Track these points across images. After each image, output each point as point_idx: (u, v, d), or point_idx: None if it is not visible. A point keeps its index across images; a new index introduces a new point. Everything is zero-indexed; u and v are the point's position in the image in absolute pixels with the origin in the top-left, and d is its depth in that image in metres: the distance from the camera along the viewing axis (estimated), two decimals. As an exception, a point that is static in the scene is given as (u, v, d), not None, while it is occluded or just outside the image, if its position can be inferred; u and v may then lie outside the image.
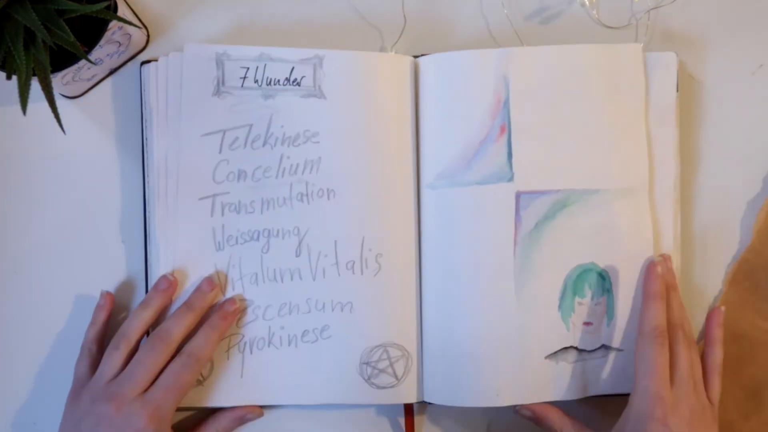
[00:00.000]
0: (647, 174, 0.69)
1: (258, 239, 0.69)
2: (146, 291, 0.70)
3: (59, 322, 0.71)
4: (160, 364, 0.65)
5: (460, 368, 0.69)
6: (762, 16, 0.73)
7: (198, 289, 0.68)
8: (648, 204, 0.69)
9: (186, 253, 0.68)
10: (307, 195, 0.69)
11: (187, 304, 0.67)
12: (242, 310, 0.69)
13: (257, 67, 0.69)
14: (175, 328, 0.66)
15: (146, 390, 0.64)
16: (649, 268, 0.67)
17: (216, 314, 0.67)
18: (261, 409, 0.69)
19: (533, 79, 0.69)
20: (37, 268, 0.71)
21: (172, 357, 0.66)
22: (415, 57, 0.70)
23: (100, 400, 0.64)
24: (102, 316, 0.68)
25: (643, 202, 0.69)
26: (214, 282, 0.68)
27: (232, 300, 0.68)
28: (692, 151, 0.73)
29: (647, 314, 0.65)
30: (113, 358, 0.65)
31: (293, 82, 0.69)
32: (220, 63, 0.69)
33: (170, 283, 0.68)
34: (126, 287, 0.71)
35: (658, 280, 0.66)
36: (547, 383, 0.69)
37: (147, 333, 0.67)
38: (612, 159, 0.69)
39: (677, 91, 0.70)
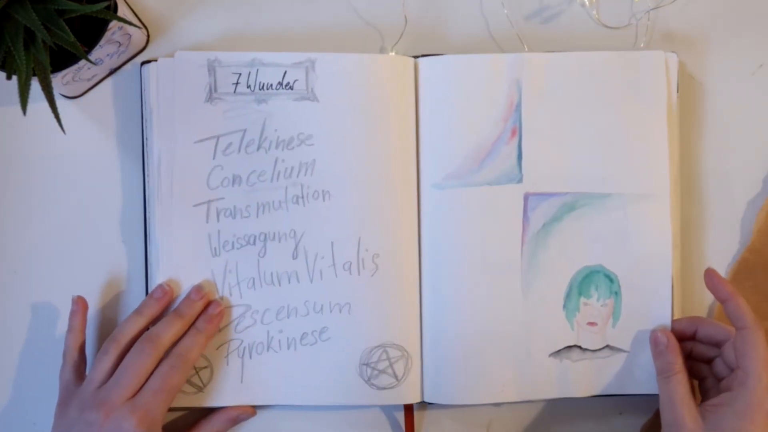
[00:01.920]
0: (668, 180, 0.69)
1: (254, 243, 0.69)
2: (146, 291, 0.70)
3: (59, 322, 0.71)
4: (148, 368, 0.65)
5: (463, 366, 0.69)
6: (762, 16, 0.73)
7: (187, 297, 0.68)
8: (668, 209, 0.69)
9: (182, 260, 0.69)
10: (302, 197, 0.69)
11: (176, 312, 0.67)
12: (227, 312, 0.69)
13: (249, 73, 0.69)
14: (164, 333, 0.66)
15: (135, 394, 0.64)
16: (710, 273, 0.66)
17: (201, 318, 0.68)
18: (254, 409, 0.70)
19: (546, 84, 0.69)
20: (37, 268, 0.71)
21: (159, 362, 0.66)
22: (415, 57, 0.70)
23: (89, 408, 0.64)
24: (78, 322, 0.68)
25: (663, 207, 0.69)
26: (203, 290, 0.68)
27: (216, 303, 0.68)
28: (692, 152, 0.73)
29: (743, 308, 0.64)
30: (103, 363, 0.65)
31: (286, 86, 0.69)
32: (211, 69, 0.69)
33: (165, 292, 0.68)
34: (126, 287, 0.71)
35: (724, 282, 0.66)
36: (551, 380, 0.70)
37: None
38: (628, 164, 0.70)
39: (677, 91, 0.71)
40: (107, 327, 0.71)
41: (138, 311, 0.67)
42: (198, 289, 0.68)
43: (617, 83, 0.70)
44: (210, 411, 0.70)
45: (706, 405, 0.64)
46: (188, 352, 0.66)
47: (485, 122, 0.69)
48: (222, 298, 0.69)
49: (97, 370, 0.65)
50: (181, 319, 0.67)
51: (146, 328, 0.67)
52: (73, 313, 0.68)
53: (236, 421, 0.70)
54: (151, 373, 0.65)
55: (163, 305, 0.68)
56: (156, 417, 0.64)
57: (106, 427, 0.63)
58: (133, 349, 0.65)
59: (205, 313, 0.68)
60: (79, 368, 0.67)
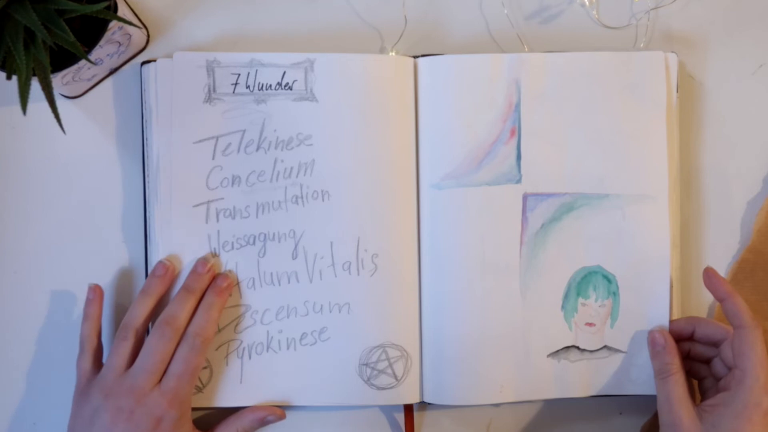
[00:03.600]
0: (667, 181, 0.69)
1: (254, 243, 0.69)
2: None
3: (59, 322, 0.71)
4: (170, 350, 0.65)
5: (462, 367, 0.69)
6: (762, 16, 0.73)
7: (193, 271, 0.68)
8: (667, 211, 0.69)
9: (182, 261, 0.69)
10: (301, 197, 0.69)
11: (186, 287, 0.67)
12: (235, 284, 0.69)
13: (248, 73, 0.69)
14: (180, 312, 0.66)
15: (161, 379, 0.65)
16: (709, 272, 0.66)
17: (210, 291, 0.68)
18: (283, 412, 0.69)
19: (545, 85, 0.69)
20: (37, 268, 0.71)
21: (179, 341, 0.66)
22: (415, 57, 0.70)
23: (116, 395, 0.64)
24: (95, 310, 0.68)
25: (662, 208, 0.69)
26: (208, 262, 0.68)
27: (224, 275, 0.68)
28: (692, 152, 0.73)
29: (741, 307, 0.64)
30: (122, 348, 0.66)
31: (285, 86, 0.69)
32: (210, 70, 0.69)
33: (167, 268, 0.68)
34: (127, 287, 0.71)
35: (722, 281, 0.66)
36: (549, 381, 0.70)
37: (150, 321, 0.68)
38: (626, 165, 0.69)
39: (677, 91, 0.70)
40: (109, 327, 0.71)
41: (144, 292, 0.67)
42: (203, 261, 0.68)
43: (616, 84, 0.70)
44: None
45: (704, 405, 0.64)
46: (204, 330, 0.66)
47: (484, 122, 0.69)
48: (230, 271, 0.69)
49: (117, 355, 0.65)
50: (192, 294, 0.67)
51: (156, 307, 0.67)
52: (89, 302, 0.68)
53: (264, 422, 0.69)
54: (173, 356, 0.65)
55: (167, 282, 0.68)
56: (185, 399, 0.65)
57: (137, 413, 0.63)
58: (152, 334, 0.65)
59: (215, 286, 0.68)
60: (98, 355, 0.67)
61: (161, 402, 0.64)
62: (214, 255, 0.69)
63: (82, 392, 0.66)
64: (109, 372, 0.65)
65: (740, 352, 0.63)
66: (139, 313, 0.67)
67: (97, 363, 0.67)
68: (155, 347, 0.65)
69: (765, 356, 0.63)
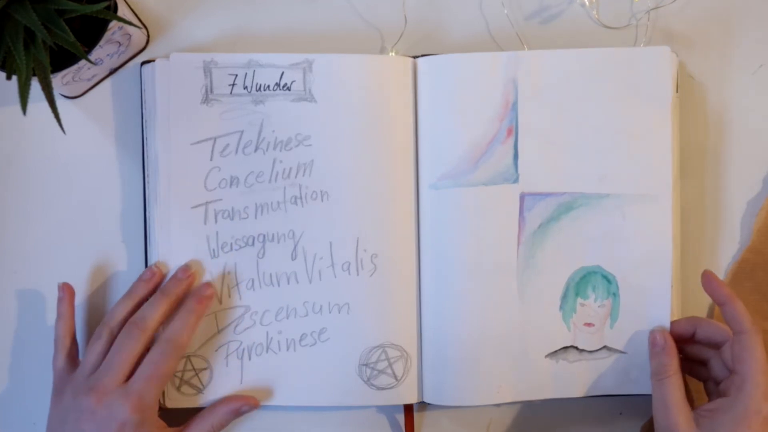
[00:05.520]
0: (670, 181, 0.69)
1: (253, 244, 0.69)
2: (147, 291, 0.70)
3: (59, 321, 0.71)
4: (137, 351, 0.65)
5: (460, 367, 0.69)
6: (762, 16, 0.73)
7: (173, 277, 0.68)
8: (670, 210, 0.69)
9: (181, 262, 0.69)
10: (300, 198, 0.69)
11: (162, 291, 0.67)
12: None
13: (246, 74, 0.69)
14: (150, 314, 0.66)
15: (128, 379, 0.64)
16: (708, 276, 0.66)
17: (192, 298, 0.67)
18: (257, 400, 0.68)
19: (543, 83, 0.69)
20: (37, 269, 0.71)
21: (150, 344, 0.66)
22: (415, 57, 0.70)
23: (82, 394, 0.64)
24: (66, 308, 0.68)
25: (664, 208, 0.69)
26: (190, 269, 0.68)
27: (207, 284, 0.68)
28: (692, 152, 0.73)
29: (740, 312, 0.63)
30: (95, 347, 0.66)
31: (283, 86, 0.69)
32: (207, 71, 0.68)
33: (153, 273, 0.68)
34: (126, 288, 0.71)
35: (721, 285, 0.65)
36: (547, 381, 0.70)
37: None
38: (627, 164, 0.69)
39: (677, 91, 0.70)
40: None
41: (128, 294, 0.68)
42: (185, 268, 0.68)
43: (617, 80, 0.69)
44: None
45: (701, 410, 0.63)
46: (178, 336, 0.66)
47: (481, 122, 0.69)
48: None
49: (90, 355, 0.65)
50: (167, 298, 0.67)
51: (136, 310, 0.67)
52: (60, 300, 0.68)
53: (238, 413, 0.68)
54: (142, 356, 0.65)
55: (152, 286, 0.68)
56: (149, 403, 0.64)
57: (99, 413, 0.63)
58: (121, 334, 0.65)
59: (197, 293, 0.68)
60: (71, 355, 0.67)
61: (124, 404, 0.63)
62: (214, 257, 0.69)
63: (58, 391, 0.66)
64: (81, 371, 0.65)
65: (740, 358, 0.63)
66: (117, 314, 0.67)
67: (71, 362, 0.67)
68: (120, 347, 0.65)
69: (765, 362, 0.62)
